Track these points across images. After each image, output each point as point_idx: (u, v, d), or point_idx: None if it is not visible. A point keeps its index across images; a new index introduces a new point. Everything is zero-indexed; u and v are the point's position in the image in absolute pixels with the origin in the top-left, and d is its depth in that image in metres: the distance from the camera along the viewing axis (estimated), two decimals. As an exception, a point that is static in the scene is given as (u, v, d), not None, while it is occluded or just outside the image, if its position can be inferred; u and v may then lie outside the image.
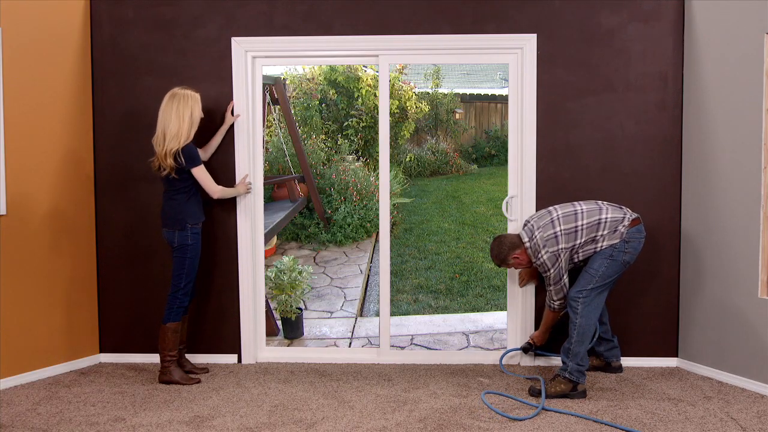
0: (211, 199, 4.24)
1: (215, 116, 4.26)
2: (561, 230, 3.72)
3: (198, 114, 3.87)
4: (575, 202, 3.85)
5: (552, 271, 3.72)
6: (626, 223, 3.72)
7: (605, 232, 3.71)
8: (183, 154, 3.78)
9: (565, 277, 3.76)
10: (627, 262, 3.74)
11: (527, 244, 3.79)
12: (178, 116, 3.78)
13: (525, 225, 3.89)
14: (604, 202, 3.84)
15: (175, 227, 3.87)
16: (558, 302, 3.84)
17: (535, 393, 3.73)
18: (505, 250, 3.84)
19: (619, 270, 3.74)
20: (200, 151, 4.16)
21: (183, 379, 3.95)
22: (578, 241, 3.72)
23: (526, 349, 4.22)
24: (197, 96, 3.88)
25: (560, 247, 3.70)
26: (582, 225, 3.73)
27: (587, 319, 3.70)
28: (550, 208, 3.86)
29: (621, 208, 3.80)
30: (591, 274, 3.71)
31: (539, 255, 3.73)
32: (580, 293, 3.70)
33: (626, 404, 3.61)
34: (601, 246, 3.72)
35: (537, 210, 4.23)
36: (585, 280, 3.72)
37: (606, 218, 3.73)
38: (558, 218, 3.75)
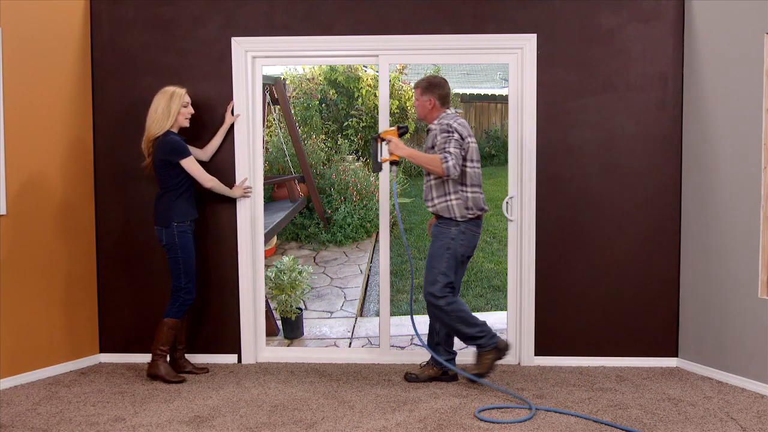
0: (213, 199, 4.25)
1: (215, 116, 4.26)
2: (471, 141, 3.74)
3: (177, 106, 3.90)
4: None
5: (450, 148, 3.63)
6: (476, 211, 3.76)
7: (466, 195, 3.74)
8: (167, 149, 3.82)
9: (458, 150, 3.66)
10: (463, 255, 3.79)
11: (448, 112, 3.79)
12: (155, 109, 3.88)
13: (455, 109, 3.88)
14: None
15: (162, 225, 3.90)
16: (452, 161, 3.61)
17: (411, 378, 3.88)
18: (438, 90, 3.79)
19: (457, 265, 3.78)
20: (200, 152, 4.17)
21: (168, 376, 3.96)
22: (468, 164, 3.72)
23: (377, 153, 3.94)
24: (180, 91, 3.92)
25: (465, 138, 3.71)
26: (476, 167, 3.77)
27: (456, 310, 3.74)
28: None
29: (481, 210, 3.81)
30: (432, 272, 3.76)
31: (450, 131, 3.66)
32: (435, 294, 3.74)
33: (626, 404, 3.60)
34: (448, 201, 3.73)
35: (537, 210, 4.24)
36: (430, 278, 3.77)
37: (478, 192, 3.79)
38: (470, 140, 3.75)
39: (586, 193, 4.23)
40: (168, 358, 4.03)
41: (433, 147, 3.75)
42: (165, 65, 4.28)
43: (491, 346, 3.78)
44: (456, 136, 3.67)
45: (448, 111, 3.83)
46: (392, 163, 3.85)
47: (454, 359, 4.02)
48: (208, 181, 3.97)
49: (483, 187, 3.87)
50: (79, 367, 4.27)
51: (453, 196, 3.75)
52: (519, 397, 3.65)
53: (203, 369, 4.16)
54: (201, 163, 4.13)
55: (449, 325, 3.79)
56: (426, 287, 3.79)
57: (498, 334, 3.83)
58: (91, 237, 4.34)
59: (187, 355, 4.27)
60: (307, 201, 5.90)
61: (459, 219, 3.75)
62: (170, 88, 3.94)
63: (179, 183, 3.89)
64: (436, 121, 3.80)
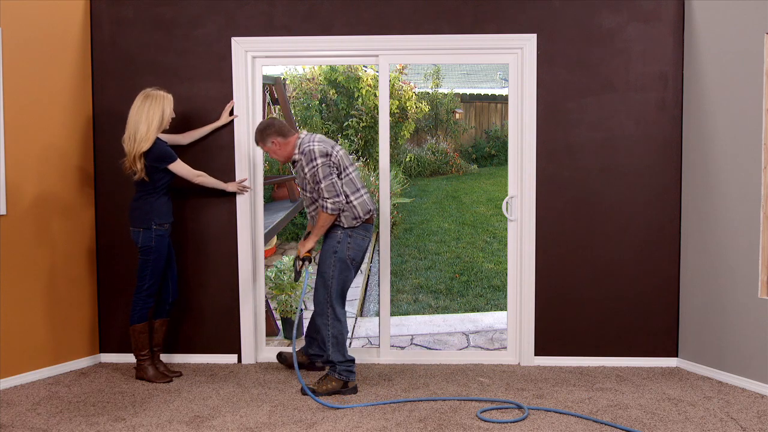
0: (213, 198, 4.25)
1: (215, 117, 4.26)
2: (338, 156, 3.74)
3: (169, 114, 3.88)
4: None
5: (323, 183, 3.66)
6: (364, 216, 3.78)
7: (356, 203, 3.75)
8: (156, 155, 3.79)
9: (335, 177, 3.69)
10: (353, 259, 3.79)
11: (301, 136, 3.77)
12: (148, 118, 3.80)
13: (306, 133, 3.85)
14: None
15: (141, 226, 3.88)
16: (331, 203, 3.67)
17: (283, 360, 4.04)
18: (270, 130, 3.77)
19: (348, 268, 3.79)
20: (179, 137, 4.17)
21: (155, 378, 3.98)
22: (343, 174, 3.73)
23: (296, 267, 3.94)
24: (170, 97, 3.89)
25: (330, 153, 3.69)
26: (351, 175, 3.77)
27: (337, 329, 3.77)
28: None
29: (370, 211, 3.85)
30: (328, 282, 3.75)
31: (312, 159, 3.65)
32: (327, 304, 3.76)
33: (626, 404, 3.61)
34: (344, 210, 3.74)
35: (537, 210, 4.24)
36: (323, 289, 3.77)
37: (362, 195, 3.79)
38: (335, 150, 3.75)
39: (586, 193, 4.23)
40: (153, 359, 4.05)
41: (311, 183, 3.73)
42: (165, 65, 4.28)
43: (343, 377, 3.77)
44: (319, 161, 3.66)
45: (301, 135, 3.80)
46: (305, 260, 3.84)
47: (324, 355, 4.03)
48: (196, 177, 3.96)
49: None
50: (79, 367, 4.27)
51: (344, 215, 3.76)
52: (326, 404, 3.61)
53: (176, 373, 4.13)
54: (181, 148, 4.14)
55: (323, 334, 3.81)
56: (318, 292, 3.79)
57: (355, 377, 3.81)
58: (91, 237, 4.34)
59: (188, 355, 4.29)
60: (307, 201, 5.89)
61: (346, 226, 3.78)
62: (158, 94, 3.85)
63: (162, 186, 3.89)
64: (297, 153, 3.77)
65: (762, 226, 3.74)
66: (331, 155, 3.69)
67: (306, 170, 3.70)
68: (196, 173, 3.97)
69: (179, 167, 3.89)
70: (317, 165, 3.66)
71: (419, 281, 6.70)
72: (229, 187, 4.17)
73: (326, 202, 3.67)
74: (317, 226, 3.77)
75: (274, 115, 5.62)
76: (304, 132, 3.82)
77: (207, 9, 4.26)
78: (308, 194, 3.83)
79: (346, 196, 3.74)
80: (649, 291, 4.24)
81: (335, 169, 3.70)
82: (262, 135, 3.78)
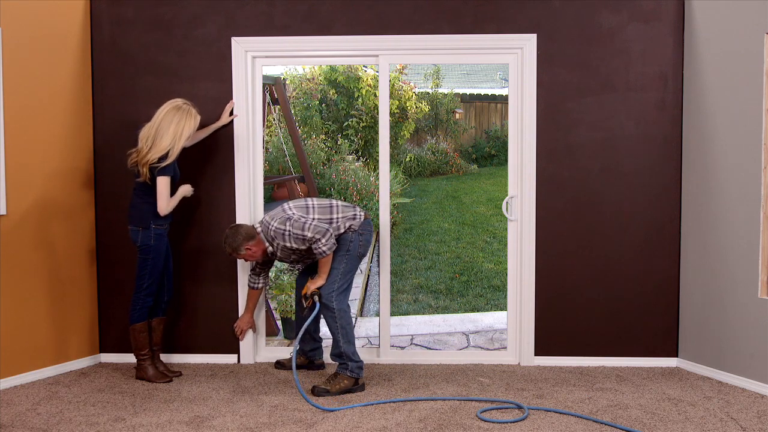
0: (212, 198, 4.26)
1: (215, 117, 4.26)
2: (293, 208, 3.85)
3: (190, 134, 3.88)
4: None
5: (309, 233, 3.72)
6: (359, 212, 3.92)
7: (340, 216, 3.87)
8: (159, 163, 3.78)
9: (311, 219, 3.80)
10: (361, 255, 3.93)
11: (259, 229, 3.88)
12: (175, 133, 3.78)
13: (260, 222, 3.95)
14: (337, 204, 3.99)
15: (140, 225, 3.88)
16: (325, 242, 3.73)
17: (281, 367, 4.17)
18: (239, 239, 3.84)
19: (356, 264, 3.92)
20: None
21: (155, 378, 3.98)
22: (312, 216, 3.82)
23: (304, 302, 3.95)
24: (198, 118, 3.90)
25: (294, 217, 3.79)
26: (313, 204, 3.88)
27: (344, 319, 3.83)
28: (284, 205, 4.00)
29: (354, 207, 3.98)
30: (333, 275, 3.82)
31: (283, 232, 3.75)
32: (332, 296, 3.80)
33: (626, 404, 3.61)
34: (340, 227, 3.85)
35: (537, 210, 4.24)
36: (330, 280, 3.83)
37: (337, 205, 3.91)
38: (289, 206, 3.88)
39: (586, 193, 4.23)
40: (153, 359, 4.05)
41: (301, 246, 3.78)
42: (165, 65, 4.28)
43: (354, 374, 3.82)
44: (287, 227, 3.74)
45: (258, 230, 3.89)
46: (314, 295, 3.86)
47: (320, 348, 4.25)
48: (165, 210, 3.83)
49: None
50: (79, 367, 4.27)
51: (338, 225, 3.85)
52: (312, 403, 3.59)
53: (176, 373, 4.14)
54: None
55: (331, 328, 3.86)
56: (326, 286, 3.84)
57: (363, 374, 3.87)
58: (91, 237, 4.34)
59: (187, 355, 4.29)
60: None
61: (356, 228, 3.89)
62: (191, 110, 3.85)
63: None
64: (267, 244, 3.88)
65: (762, 226, 3.74)
66: (290, 218, 3.78)
67: (288, 243, 3.78)
68: (166, 207, 3.82)
69: (162, 185, 3.80)
70: (290, 230, 3.75)
71: (419, 281, 6.71)
72: (182, 192, 4.03)
73: (320, 246, 3.73)
74: (323, 268, 3.82)
75: (274, 116, 5.63)
76: (255, 224, 3.96)
77: (207, 9, 4.26)
78: (300, 259, 3.96)
79: (330, 222, 3.84)
80: (649, 291, 4.24)
81: (302, 216, 3.81)
82: (234, 246, 3.85)
